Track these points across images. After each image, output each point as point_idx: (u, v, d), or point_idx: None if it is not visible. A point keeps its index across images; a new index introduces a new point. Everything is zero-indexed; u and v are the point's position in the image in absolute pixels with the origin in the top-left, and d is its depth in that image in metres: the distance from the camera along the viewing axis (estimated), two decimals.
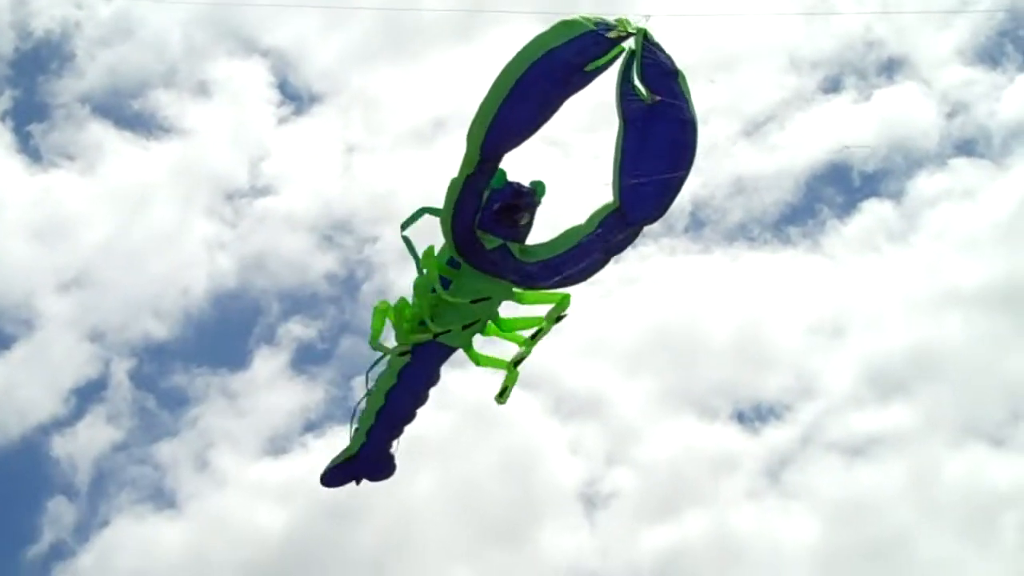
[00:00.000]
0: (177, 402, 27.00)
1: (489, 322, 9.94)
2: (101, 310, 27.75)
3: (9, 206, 29.26)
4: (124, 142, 29.37)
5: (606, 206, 9.42)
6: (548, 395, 25.90)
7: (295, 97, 30.23)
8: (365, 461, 10.38)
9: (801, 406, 26.15)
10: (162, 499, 25.60)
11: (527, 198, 9.45)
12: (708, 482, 25.86)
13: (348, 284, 28.55)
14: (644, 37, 9.13)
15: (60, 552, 24.96)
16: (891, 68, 30.00)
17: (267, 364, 27.45)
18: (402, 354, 9.96)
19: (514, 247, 9.43)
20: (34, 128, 29.53)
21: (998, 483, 24.56)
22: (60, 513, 25.44)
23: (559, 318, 9.84)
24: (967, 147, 29.22)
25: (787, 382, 26.71)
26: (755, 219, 28.65)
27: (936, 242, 28.26)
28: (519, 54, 8.78)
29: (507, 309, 9.90)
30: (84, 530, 25.19)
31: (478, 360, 10.02)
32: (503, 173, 9.29)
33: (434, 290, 9.56)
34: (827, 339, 27.54)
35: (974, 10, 26.84)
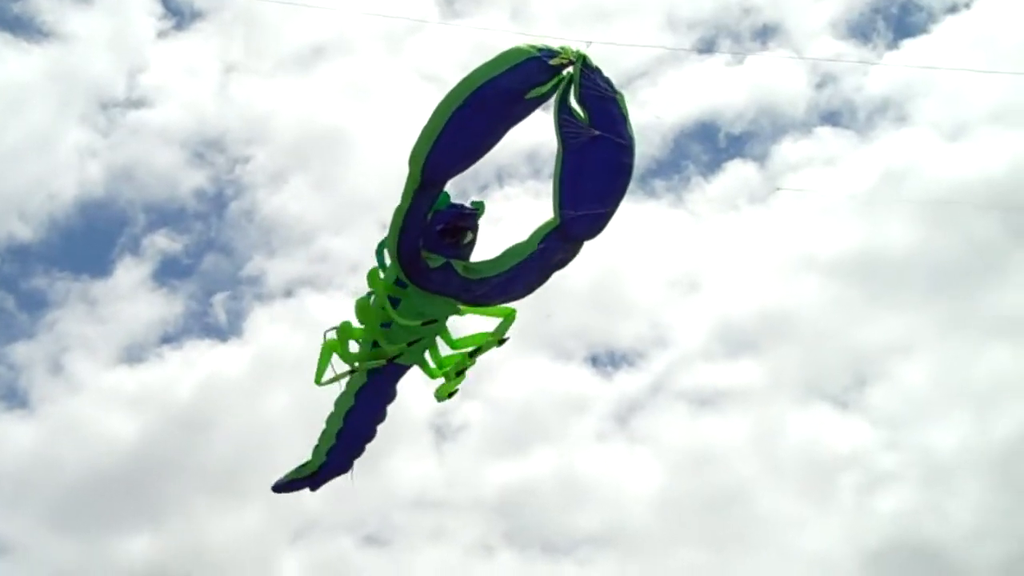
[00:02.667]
0: (36, 304, 26.89)
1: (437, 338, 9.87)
2: None
3: None
4: (2, 44, 28.67)
5: (548, 223, 9.36)
6: None
7: (177, 12, 29.70)
8: (322, 477, 10.33)
9: (653, 355, 26.23)
10: (14, 399, 25.31)
11: (469, 219, 9.40)
12: (558, 422, 25.90)
13: (216, 202, 28.46)
14: (583, 62, 9.07)
15: None
16: (765, 35, 29.91)
17: (129, 274, 27.27)
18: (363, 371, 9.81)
19: (458, 265, 9.33)
20: None
21: (838, 445, 24.73)
22: None
23: (501, 341, 9.82)
24: (833, 118, 29.45)
25: (642, 331, 26.79)
26: None
27: (796, 207, 28.13)
28: (463, 81, 8.72)
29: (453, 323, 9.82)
30: None
31: (433, 374, 9.90)
32: (446, 195, 9.24)
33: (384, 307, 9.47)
34: (683, 293, 27.73)
35: None
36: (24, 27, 28.75)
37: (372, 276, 9.46)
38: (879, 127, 29.03)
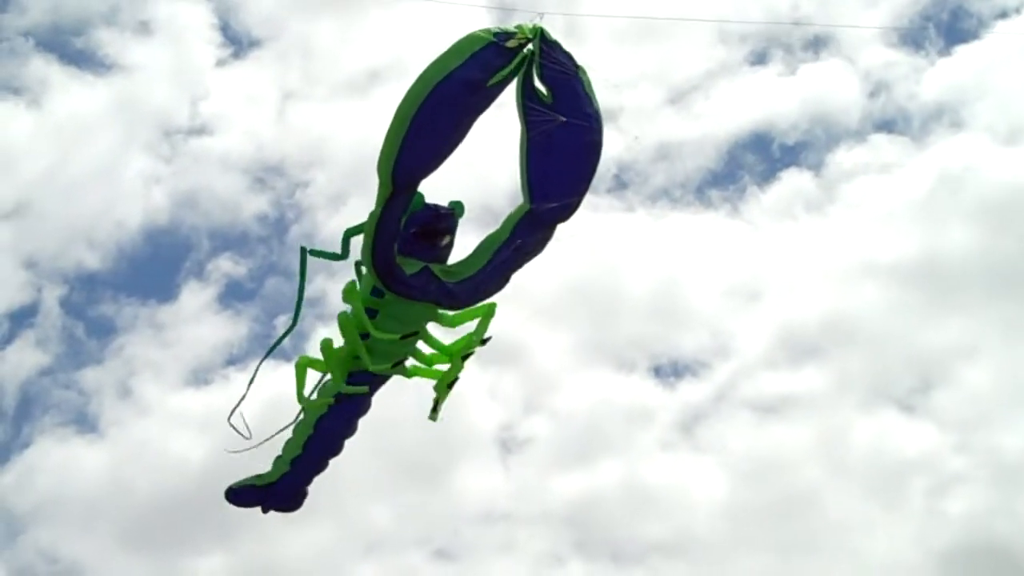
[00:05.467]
0: (105, 330, 26.51)
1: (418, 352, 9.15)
2: (38, 239, 27.03)
3: None
4: (67, 77, 28.55)
5: (519, 209, 8.70)
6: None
7: (235, 40, 29.33)
8: (279, 492, 9.62)
9: (716, 364, 25.61)
10: (85, 424, 24.90)
11: (446, 220, 8.73)
12: (622, 433, 25.33)
13: (278, 226, 27.97)
14: (541, 37, 8.35)
15: None
16: (817, 45, 29.33)
17: (194, 298, 26.85)
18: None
19: (436, 269, 8.67)
20: None
21: (906, 449, 24.30)
22: None
23: (484, 341, 9.09)
24: (887, 125, 28.77)
25: (703, 340, 26.17)
26: (678, 183, 28.21)
27: (853, 214, 27.70)
28: (419, 79, 8.01)
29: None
30: (5, 451, 24.76)
31: (410, 373, 9.17)
32: (420, 196, 8.53)
33: (364, 335, 8.76)
34: (743, 301, 27.06)
35: None
36: (88, 60, 28.86)
37: (349, 291, 8.76)
38: (934, 133, 28.44)
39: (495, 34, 8.15)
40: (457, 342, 9.16)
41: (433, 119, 7.99)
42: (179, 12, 29.19)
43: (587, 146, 8.57)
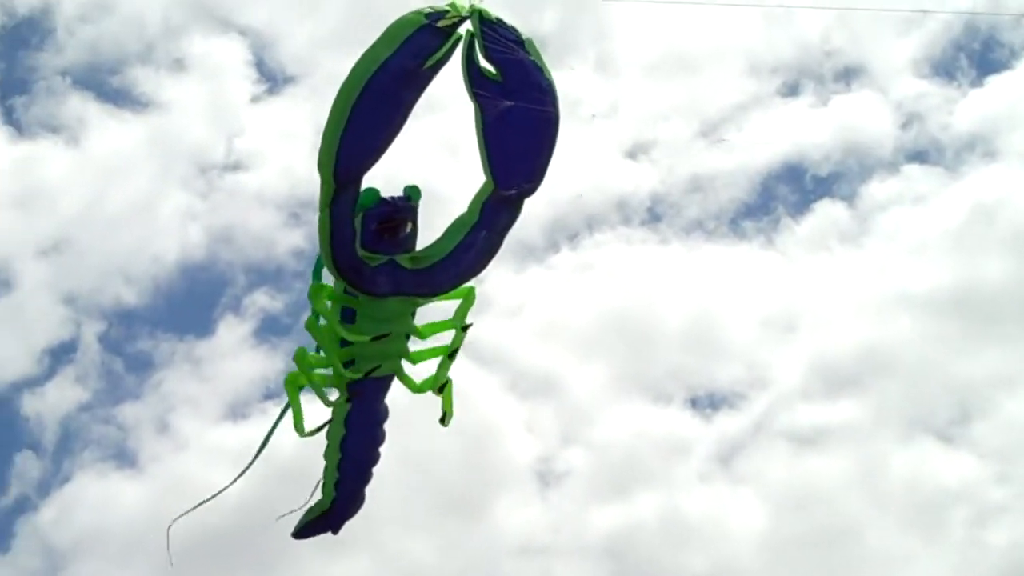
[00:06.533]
0: (143, 365, 26.30)
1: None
2: (76, 275, 26.86)
3: None
4: (104, 115, 28.45)
5: (483, 189, 8.43)
6: (505, 373, 25.29)
7: (270, 77, 29.28)
8: (339, 511, 9.33)
9: (753, 395, 25.42)
10: (124, 459, 24.84)
11: (403, 211, 8.45)
12: (660, 465, 25.11)
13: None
14: (480, 18, 8.07)
15: (23, 506, 24.35)
16: (848, 76, 29.16)
17: (231, 333, 26.72)
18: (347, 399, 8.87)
19: (403, 260, 8.44)
20: (16, 101, 28.74)
21: (946, 479, 23.98)
22: (27, 468, 24.77)
23: (465, 327, 8.89)
24: (920, 156, 28.58)
25: (739, 372, 25.94)
26: (711, 215, 27.93)
27: (887, 245, 27.57)
28: (352, 72, 7.74)
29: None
30: (46, 485, 24.53)
31: (414, 387, 8.92)
32: (374, 192, 8.30)
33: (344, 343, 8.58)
34: (779, 333, 26.87)
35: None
36: (124, 98, 28.58)
37: (314, 293, 8.57)
38: (967, 163, 28.16)
39: (427, 15, 7.90)
40: (435, 325, 8.89)
41: (370, 113, 7.78)
42: (214, 49, 29.24)
43: (543, 120, 8.34)
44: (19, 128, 27.94)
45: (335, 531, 9.47)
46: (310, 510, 9.34)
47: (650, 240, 27.39)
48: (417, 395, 8.95)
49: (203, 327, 27.97)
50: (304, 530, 9.44)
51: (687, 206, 27.63)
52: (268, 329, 26.66)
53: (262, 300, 26.88)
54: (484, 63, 8.22)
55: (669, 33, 28.41)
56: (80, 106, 28.09)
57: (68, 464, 24.76)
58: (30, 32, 28.94)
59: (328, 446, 9.17)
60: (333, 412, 9.00)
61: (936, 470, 24.05)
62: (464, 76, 8.23)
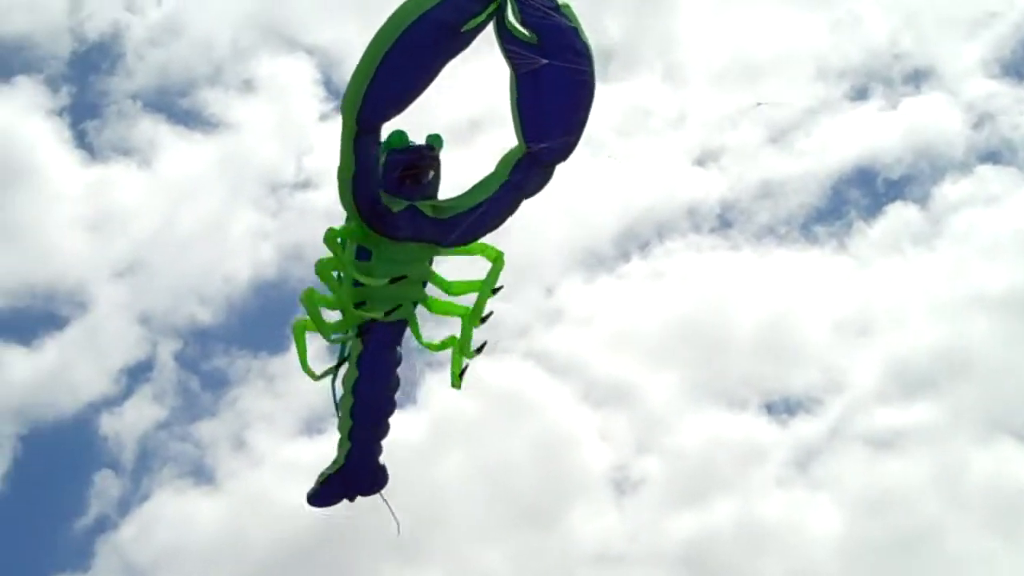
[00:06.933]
0: (218, 383, 26.52)
1: (429, 298, 8.99)
2: (151, 295, 27.18)
3: (68, 199, 28.59)
4: (175, 137, 28.83)
5: (514, 151, 8.49)
6: (579, 383, 25.13)
7: (337, 94, 28.84)
8: (355, 471, 9.43)
9: (828, 400, 25.20)
10: (201, 475, 25.05)
11: (427, 157, 8.53)
12: (736, 471, 24.99)
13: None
14: None
15: (103, 525, 24.44)
16: (917, 78, 28.89)
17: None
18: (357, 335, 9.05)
19: (424, 206, 8.48)
20: (88, 125, 28.96)
21: None
22: (106, 487, 24.97)
23: (495, 290, 8.92)
24: (992, 156, 28.28)
25: (814, 376, 25.80)
26: (782, 220, 27.79)
27: (961, 246, 27.37)
28: (392, 18, 7.76)
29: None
30: (126, 504, 24.74)
31: (431, 346, 9.11)
32: (401, 134, 8.43)
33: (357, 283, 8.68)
34: (853, 336, 26.66)
35: None
36: (195, 119, 28.92)
37: (330, 236, 8.59)
38: None
39: None
40: (463, 284, 8.95)
41: (403, 60, 7.76)
42: (281, 69, 29.47)
43: (579, 83, 8.34)
44: (92, 152, 28.36)
45: (352, 499, 9.50)
46: (326, 469, 9.40)
47: (721, 247, 27.31)
48: (437, 353, 9.05)
49: (276, 344, 27.55)
50: (320, 493, 9.47)
51: (757, 212, 27.55)
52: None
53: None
54: (520, 27, 8.22)
55: (735, 40, 28.31)
56: (151, 129, 28.40)
57: (147, 482, 25.02)
58: (100, 57, 29.25)
59: (343, 394, 9.21)
60: (346, 355, 9.11)
61: (1016, 470, 23.69)
62: (497, 40, 8.23)
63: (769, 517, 23.93)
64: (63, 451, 25.68)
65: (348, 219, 8.58)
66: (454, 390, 9.14)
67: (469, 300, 8.96)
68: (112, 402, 25.61)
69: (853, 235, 27.61)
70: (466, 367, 9.05)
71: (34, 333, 26.46)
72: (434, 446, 24.00)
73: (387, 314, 8.75)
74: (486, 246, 8.86)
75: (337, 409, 9.21)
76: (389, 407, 9.23)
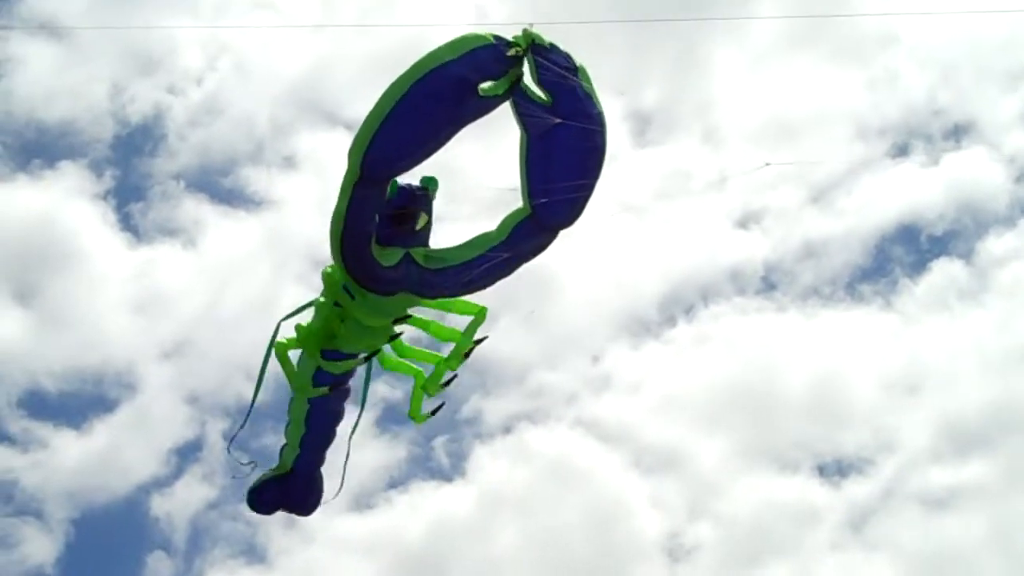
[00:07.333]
0: (268, 461, 26.08)
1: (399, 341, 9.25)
2: (198, 375, 28.09)
3: (114, 281, 29.73)
4: (219, 216, 30.01)
5: (517, 212, 8.57)
6: (628, 450, 25.60)
7: None
8: (296, 479, 9.82)
9: (881, 460, 25.26)
10: (253, 554, 25.79)
11: (422, 200, 8.53)
12: (790, 534, 24.88)
13: (430, 349, 27.94)
14: (532, 43, 8.12)
15: None
16: (958, 133, 28.83)
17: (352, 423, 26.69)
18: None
19: (417, 254, 8.47)
20: (133, 208, 30.35)
21: None
22: (159, 569, 26.10)
23: (477, 341, 9.12)
24: None
25: (865, 437, 25.87)
26: (827, 280, 27.59)
27: (1008, 300, 27.20)
28: (411, 67, 7.76)
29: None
30: None
31: (388, 364, 9.37)
32: (393, 183, 8.36)
33: (337, 304, 8.85)
34: (903, 395, 26.72)
35: None
36: (238, 197, 30.26)
37: (330, 273, 8.75)
38: None
39: (496, 38, 7.95)
40: (444, 329, 9.11)
41: (416, 109, 7.66)
42: (321, 144, 30.21)
43: (590, 147, 8.38)
44: (137, 234, 29.05)
45: (289, 510, 9.99)
46: (271, 470, 9.46)
47: (766, 308, 27.37)
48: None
49: None
50: (260, 491, 9.91)
51: (801, 272, 27.56)
52: (389, 418, 26.50)
53: (382, 390, 26.76)
54: (536, 89, 8.25)
55: (772, 101, 28.28)
56: (195, 208, 28.79)
57: (199, 562, 26.02)
58: (143, 139, 29.60)
59: (295, 399, 9.61)
60: (295, 398, 9.54)
61: None
62: (512, 101, 8.22)
63: None
64: (115, 533, 26.31)
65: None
66: (415, 423, 9.62)
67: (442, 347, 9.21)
68: (162, 483, 26.54)
69: (899, 292, 27.82)
70: (442, 405, 9.42)
71: (84, 416, 26.64)
72: (484, 519, 23.98)
73: (340, 378, 9.08)
74: (468, 303, 8.95)
75: (288, 414, 9.27)
76: (339, 417, 9.59)
